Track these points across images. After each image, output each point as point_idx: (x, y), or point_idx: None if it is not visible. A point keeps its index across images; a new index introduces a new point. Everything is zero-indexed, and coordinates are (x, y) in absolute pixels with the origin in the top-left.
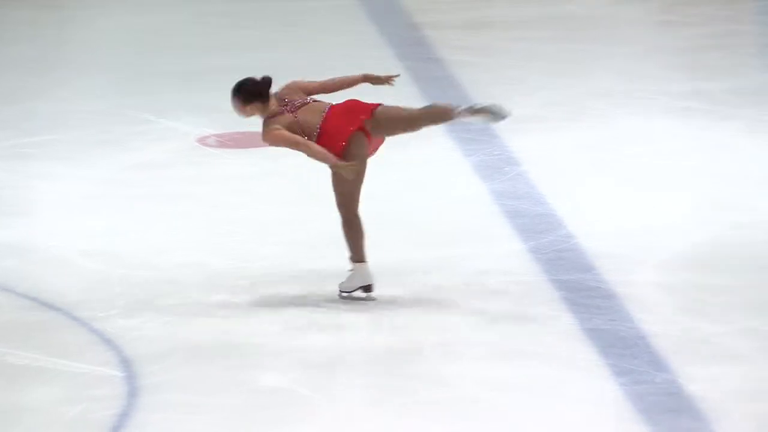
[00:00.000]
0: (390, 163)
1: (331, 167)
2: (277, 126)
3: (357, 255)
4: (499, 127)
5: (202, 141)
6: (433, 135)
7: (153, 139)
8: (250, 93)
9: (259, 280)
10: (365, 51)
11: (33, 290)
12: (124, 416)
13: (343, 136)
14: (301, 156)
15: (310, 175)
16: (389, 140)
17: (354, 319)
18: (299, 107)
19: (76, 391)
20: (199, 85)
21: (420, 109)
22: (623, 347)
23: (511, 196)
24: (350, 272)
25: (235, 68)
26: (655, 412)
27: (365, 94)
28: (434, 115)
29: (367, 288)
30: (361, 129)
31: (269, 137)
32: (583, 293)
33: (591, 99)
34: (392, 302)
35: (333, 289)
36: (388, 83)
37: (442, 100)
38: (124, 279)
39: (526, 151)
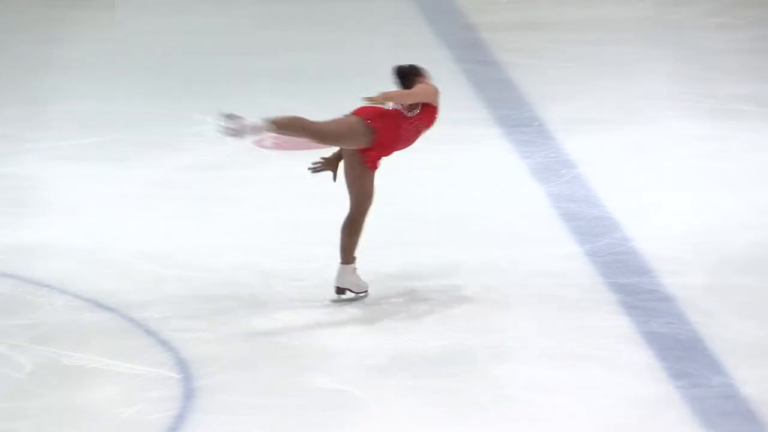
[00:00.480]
0: (446, 165)
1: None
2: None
3: (347, 257)
4: (555, 129)
5: (258, 142)
6: (489, 137)
7: (207, 140)
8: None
9: (313, 282)
10: (419, 52)
11: (89, 291)
12: (179, 418)
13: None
14: None
15: None
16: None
17: (406, 321)
18: None
19: (131, 393)
20: (255, 86)
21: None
22: (680, 350)
23: (567, 198)
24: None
25: (290, 69)
26: (712, 415)
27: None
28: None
29: (340, 290)
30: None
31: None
32: (640, 296)
33: (643, 101)
34: (446, 303)
35: (386, 290)
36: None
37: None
38: (179, 280)
39: (581, 153)
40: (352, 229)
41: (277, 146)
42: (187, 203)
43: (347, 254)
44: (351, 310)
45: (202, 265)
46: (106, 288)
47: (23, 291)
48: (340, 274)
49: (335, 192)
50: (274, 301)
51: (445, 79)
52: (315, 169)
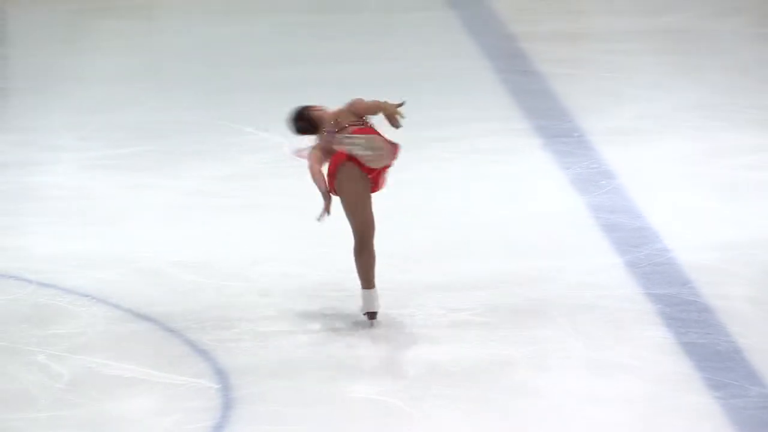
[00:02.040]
0: (486, 176)
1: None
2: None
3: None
4: (595, 140)
5: (298, 153)
6: (529, 148)
7: (246, 149)
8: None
9: (352, 293)
10: (460, 62)
11: (128, 301)
12: (218, 428)
13: (334, 164)
14: (398, 170)
15: (404, 188)
16: (483, 155)
17: (447, 332)
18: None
19: (169, 403)
20: (293, 97)
21: None
22: (719, 361)
23: (607, 209)
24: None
25: (332, 79)
26: (751, 426)
27: None
28: None
29: (371, 315)
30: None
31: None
32: (679, 307)
33: (685, 111)
34: (486, 314)
35: (427, 301)
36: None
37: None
38: (217, 290)
39: (621, 164)
40: (357, 255)
41: None
42: (227, 213)
43: (366, 280)
44: (392, 320)
45: (241, 274)
46: (146, 298)
47: (62, 301)
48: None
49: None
50: (313, 310)
51: (486, 89)
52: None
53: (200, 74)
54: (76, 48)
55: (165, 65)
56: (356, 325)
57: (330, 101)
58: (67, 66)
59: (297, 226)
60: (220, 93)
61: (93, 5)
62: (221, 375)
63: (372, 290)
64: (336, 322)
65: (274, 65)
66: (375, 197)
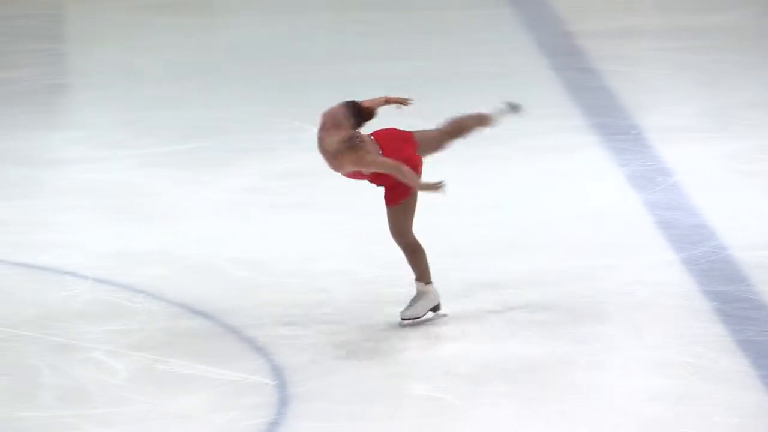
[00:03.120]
0: (544, 173)
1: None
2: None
3: (424, 277)
4: (652, 137)
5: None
6: (586, 145)
7: (301, 147)
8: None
9: (407, 289)
10: (518, 59)
11: (184, 297)
12: (274, 425)
13: (417, 164)
14: (450, 167)
15: (460, 185)
16: (541, 153)
17: (501, 329)
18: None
19: (226, 399)
20: (351, 93)
21: (448, 125)
22: None
23: (664, 206)
24: (415, 297)
25: (389, 77)
26: None
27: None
28: (462, 127)
29: (436, 308)
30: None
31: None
32: (736, 304)
33: (740, 109)
34: (541, 311)
35: (482, 298)
36: (407, 104)
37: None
38: (273, 286)
39: (678, 161)
40: (409, 255)
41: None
42: (283, 210)
43: (424, 275)
44: (447, 317)
45: (297, 271)
46: (202, 294)
47: (119, 297)
48: (425, 296)
49: (428, 200)
50: (368, 308)
51: (543, 86)
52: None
53: (255, 71)
54: (133, 45)
55: (221, 62)
56: (413, 321)
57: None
58: (124, 63)
59: (353, 223)
60: (275, 90)
61: (150, 2)
62: (277, 371)
63: (431, 285)
64: (391, 319)
65: (328, 62)
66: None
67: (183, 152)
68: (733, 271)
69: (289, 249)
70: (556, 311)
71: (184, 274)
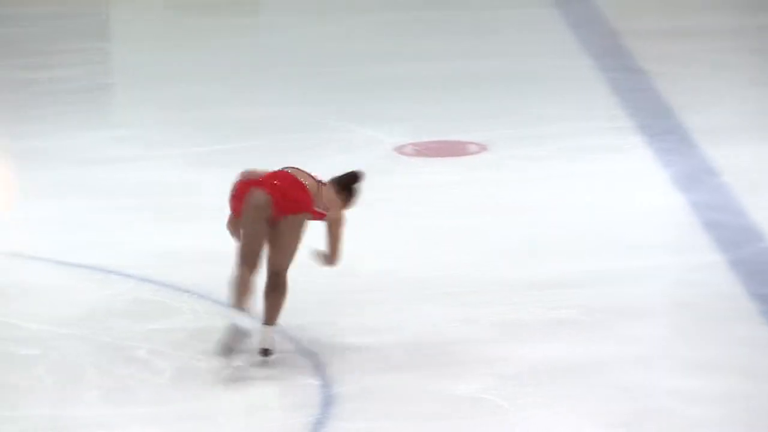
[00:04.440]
0: (589, 174)
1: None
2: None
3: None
4: (698, 138)
5: (399, 149)
6: (632, 146)
7: (348, 147)
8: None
9: (455, 290)
10: (563, 60)
11: (227, 297)
12: (318, 424)
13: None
14: (495, 168)
15: (504, 185)
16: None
17: (546, 330)
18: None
19: (270, 398)
20: (397, 94)
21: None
22: None
23: (710, 207)
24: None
25: (434, 77)
26: None
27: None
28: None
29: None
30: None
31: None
32: None
33: None
34: (585, 312)
35: (527, 299)
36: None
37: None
38: (320, 286)
39: (724, 161)
40: (281, 292)
41: (418, 153)
42: None
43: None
44: (491, 318)
45: (345, 270)
46: None
47: (164, 296)
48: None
49: (477, 199)
50: (416, 307)
51: (589, 87)
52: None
53: (301, 71)
54: (179, 44)
55: (266, 62)
56: (458, 322)
57: (430, 99)
58: (170, 62)
59: (398, 224)
60: (320, 90)
61: (195, 2)
62: (321, 371)
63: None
64: (438, 320)
65: (374, 62)
66: (469, 192)
67: (226, 152)
68: None
69: None
70: (602, 311)
71: (228, 273)
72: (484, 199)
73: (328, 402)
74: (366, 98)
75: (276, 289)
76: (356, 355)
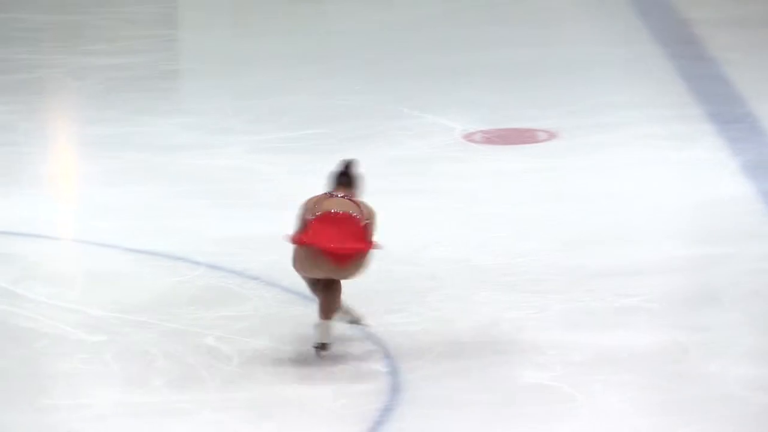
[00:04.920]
0: (658, 162)
1: None
2: None
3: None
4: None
5: (469, 137)
6: (702, 134)
7: (417, 134)
8: None
9: (520, 278)
10: (632, 48)
11: (296, 284)
12: (386, 411)
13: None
14: (564, 155)
15: (576, 173)
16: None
17: (615, 317)
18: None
19: (338, 385)
20: (466, 81)
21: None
22: None
23: None
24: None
25: (499, 64)
26: None
27: None
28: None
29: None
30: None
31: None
32: None
33: None
34: (654, 299)
35: (593, 286)
36: None
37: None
38: (386, 273)
39: None
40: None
41: (488, 140)
42: (396, 197)
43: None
44: (559, 306)
45: (410, 258)
46: None
47: (232, 283)
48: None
49: (543, 188)
50: (481, 295)
51: (658, 76)
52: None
53: (369, 58)
54: (247, 31)
55: (334, 49)
56: (525, 309)
57: (499, 86)
58: (238, 49)
59: (465, 210)
60: (388, 77)
61: None
62: (389, 358)
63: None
64: (503, 307)
65: (443, 50)
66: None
67: (296, 139)
68: None
69: (400, 236)
70: (671, 300)
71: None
72: (553, 187)
73: (395, 389)
74: (435, 86)
75: (332, 285)
76: (423, 342)
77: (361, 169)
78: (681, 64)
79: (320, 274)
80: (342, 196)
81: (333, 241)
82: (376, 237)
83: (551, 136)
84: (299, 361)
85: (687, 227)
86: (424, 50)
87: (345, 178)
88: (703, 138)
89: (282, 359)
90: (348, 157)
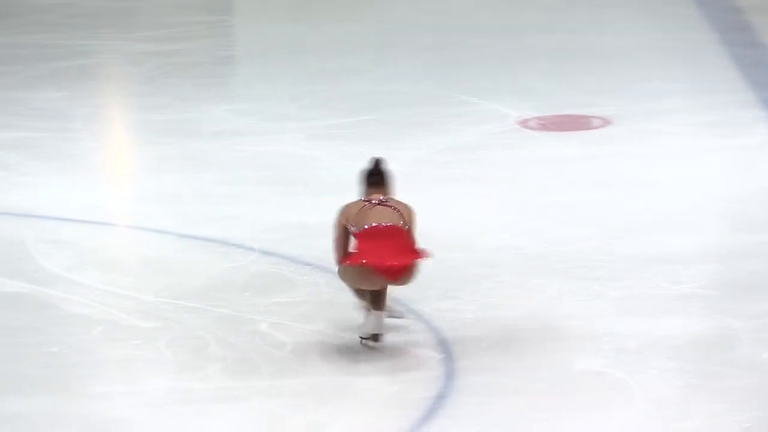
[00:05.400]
0: (713, 148)
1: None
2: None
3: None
4: None
5: (524, 123)
6: (756, 121)
7: (472, 120)
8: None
9: (574, 264)
10: (687, 35)
11: None
12: (440, 398)
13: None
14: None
15: (630, 160)
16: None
17: (668, 304)
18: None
19: (392, 372)
20: (521, 67)
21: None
22: None
23: None
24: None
25: (552, 51)
26: None
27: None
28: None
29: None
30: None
31: None
32: None
33: None
34: (708, 286)
35: (648, 272)
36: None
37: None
38: (439, 261)
39: None
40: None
41: (543, 127)
42: (447, 183)
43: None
44: (613, 292)
45: (463, 245)
46: None
47: (285, 269)
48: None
49: (598, 174)
50: (535, 282)
51: (711, 62)
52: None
53: (425, 45)
54: (301, 17)
55: (390, 35)
56: (579, 296)
57: (555, 72)
58: (292, 35)
59: (519, 198)
60: (445, 64)
61: None
62: (444, 345)
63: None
64: (556, 293)
65: (497, 36)
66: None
67: (350, 125)
68: None
69: (454, 223)
70: (724, 287)
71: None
72: (607, 174)
73: (450, 375)
74: (490, 72)
75: None
76: (477, 329)
77: (390, 167)
78: (735, 50)
79: (374, 288)
80: (381, 202)
81: (386, 257)
82: (421, 230)
83: (606, 122)
84: (352, 347)
85: (741, 214)
86: (479, 37)
87: (377, 177)
88: (757, 124)
89: (335, 346)
90: (378, 154)
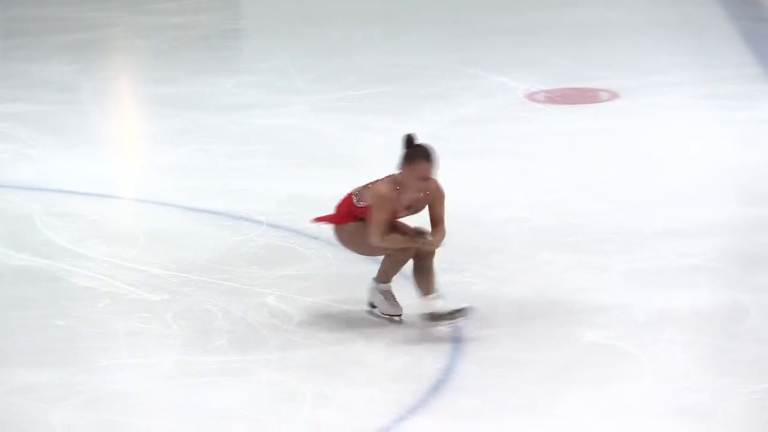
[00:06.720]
0: (719, 121)
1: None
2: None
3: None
4: None
5: (531, 96)
6: (763, 94)
7: (480, 94)
8: None
9: (582, 238)
10: (692, 9)
11: None
12: (447, 371)
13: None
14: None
15: (638, 133)
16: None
17: (677, 277)
18: None
19: (399, 345)
20: (528, 41)
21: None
22: None
23: None
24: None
25: (560, 25)
26: None
27: None
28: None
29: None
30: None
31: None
32: None
33: None
34: (717, 259)
35: (656, 246)
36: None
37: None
38: (448, 234)
39: None
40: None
41: (551, 100)
42: (457, 157)
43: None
44: (622, 266)
45: (472, 217)
46: None
47: (293, 242)
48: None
49: (607, 148)
50: (542, 256)
51: (718, 36)
52: None
53: (435, 18)
54: None
55: (398, 9)
56: (587, 269)
57: (562, 46)
58: (300, 8)
59: (527, 171)
60: (453, 37)
61: None
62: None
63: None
64: (564, 267)
65: (505, 10)
66: (600, 140)
67: (359, 98)
68: None
69: (463, 196)
70: (732, 260)
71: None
72: (615, 147)
73: (456, 349)
74: (498, 46)
75: (386, 251)
76: (485, 301)
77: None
78: (743, 25)
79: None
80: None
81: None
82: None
83: (613, 96)
84: (359, 320)
85: (748, 187)
86: (487, 10)
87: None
88: (764, 98)
89: (342, 319)
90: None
